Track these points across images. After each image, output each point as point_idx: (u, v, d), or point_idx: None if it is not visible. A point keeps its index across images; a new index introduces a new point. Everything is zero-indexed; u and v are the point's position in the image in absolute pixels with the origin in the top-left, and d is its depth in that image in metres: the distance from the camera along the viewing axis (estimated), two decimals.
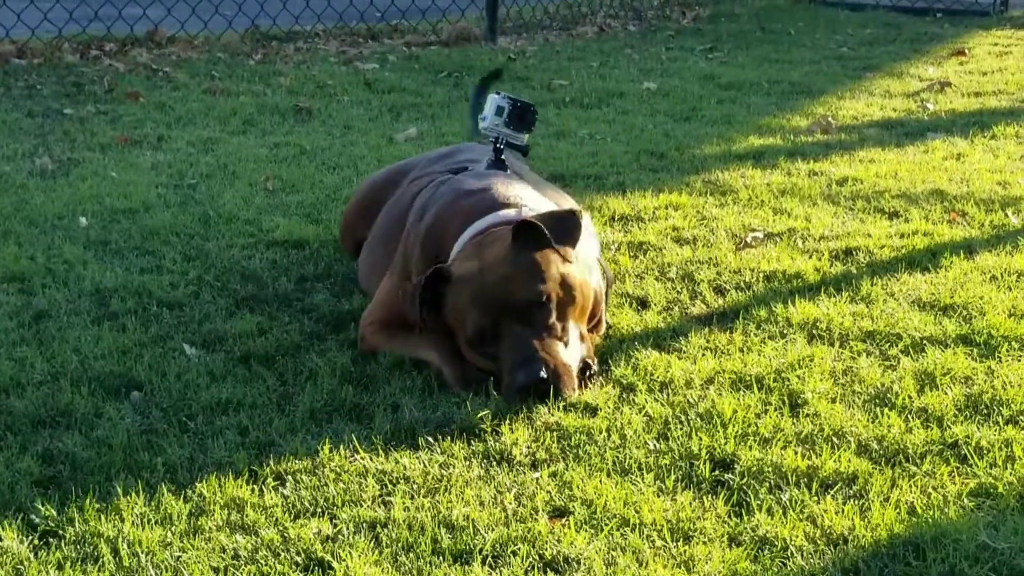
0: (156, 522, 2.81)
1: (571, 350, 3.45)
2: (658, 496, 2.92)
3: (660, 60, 9.06)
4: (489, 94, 4.28)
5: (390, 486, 2.96)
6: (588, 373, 3.47)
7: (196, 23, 9.19)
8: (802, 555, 2.69)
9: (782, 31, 10.46)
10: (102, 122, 6.75)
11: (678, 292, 4.22)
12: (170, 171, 5.75)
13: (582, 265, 3.61)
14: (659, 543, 2.73)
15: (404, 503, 2.88)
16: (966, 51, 9.34)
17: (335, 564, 2.66)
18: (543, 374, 3.30)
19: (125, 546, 2.71)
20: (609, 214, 5.09)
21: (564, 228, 3.54)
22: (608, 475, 3.01)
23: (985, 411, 3.31)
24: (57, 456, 3.09)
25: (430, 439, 3.17)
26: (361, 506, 2.88)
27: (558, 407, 3.31)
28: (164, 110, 7.05)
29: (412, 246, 3.79)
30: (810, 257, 4.56)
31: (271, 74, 8.19)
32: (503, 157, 4.13)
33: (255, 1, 9.65)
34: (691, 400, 3.38)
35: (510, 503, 2.89)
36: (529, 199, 3.79)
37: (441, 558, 2.69)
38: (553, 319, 3.41)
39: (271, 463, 3.06)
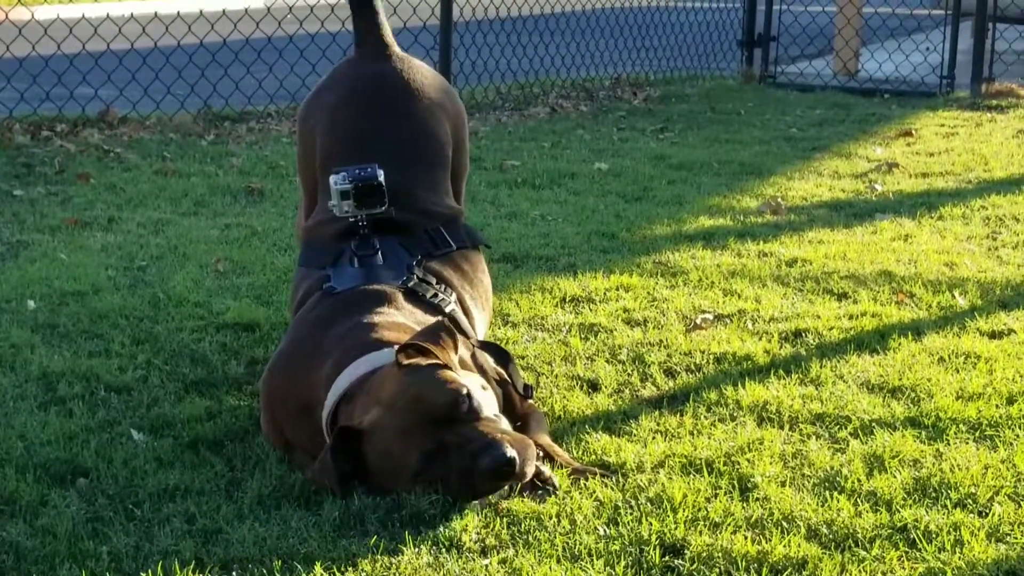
0: None
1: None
2: None
3: (611, 140, 9.13)
4: (329, 176, 3.96)
5: (339, 574, 2.94)
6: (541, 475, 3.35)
7: (148, 103, 9.19)
8: None
9: (732, 111, 10.56)
10: (52, 204, 6.72)
11: (629, 374, 4.23)
12: (120, 253, 5.73)
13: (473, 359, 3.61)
14: None
15: None
16: (913, 132, 9.46)
17: None
18: (508, 452, 3.18)
19: None
20: (560, 296, 5.11)
21: (434, 337, 3.46)
22: (558, 561, 2.99)
23: (934, 494, 3.32)
24: (0, 545, 3.05)
25: (379, 525, 3.15)
26: None
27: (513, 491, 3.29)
28: (115, 191, 7.03)
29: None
30: (760, 339, 4.58)
31: (223, 155, 8.20)
32: (371, 239, 3.94)
33: (207, 82, 9.67)
34: (641, 484, 3.37)
35: None
36: (384, 327, 3.64)
37: None
38: (484, 411, 3.32)
39: (218, 551, 3.02)
